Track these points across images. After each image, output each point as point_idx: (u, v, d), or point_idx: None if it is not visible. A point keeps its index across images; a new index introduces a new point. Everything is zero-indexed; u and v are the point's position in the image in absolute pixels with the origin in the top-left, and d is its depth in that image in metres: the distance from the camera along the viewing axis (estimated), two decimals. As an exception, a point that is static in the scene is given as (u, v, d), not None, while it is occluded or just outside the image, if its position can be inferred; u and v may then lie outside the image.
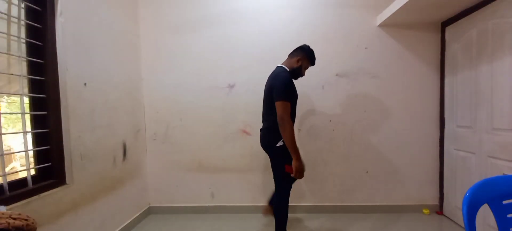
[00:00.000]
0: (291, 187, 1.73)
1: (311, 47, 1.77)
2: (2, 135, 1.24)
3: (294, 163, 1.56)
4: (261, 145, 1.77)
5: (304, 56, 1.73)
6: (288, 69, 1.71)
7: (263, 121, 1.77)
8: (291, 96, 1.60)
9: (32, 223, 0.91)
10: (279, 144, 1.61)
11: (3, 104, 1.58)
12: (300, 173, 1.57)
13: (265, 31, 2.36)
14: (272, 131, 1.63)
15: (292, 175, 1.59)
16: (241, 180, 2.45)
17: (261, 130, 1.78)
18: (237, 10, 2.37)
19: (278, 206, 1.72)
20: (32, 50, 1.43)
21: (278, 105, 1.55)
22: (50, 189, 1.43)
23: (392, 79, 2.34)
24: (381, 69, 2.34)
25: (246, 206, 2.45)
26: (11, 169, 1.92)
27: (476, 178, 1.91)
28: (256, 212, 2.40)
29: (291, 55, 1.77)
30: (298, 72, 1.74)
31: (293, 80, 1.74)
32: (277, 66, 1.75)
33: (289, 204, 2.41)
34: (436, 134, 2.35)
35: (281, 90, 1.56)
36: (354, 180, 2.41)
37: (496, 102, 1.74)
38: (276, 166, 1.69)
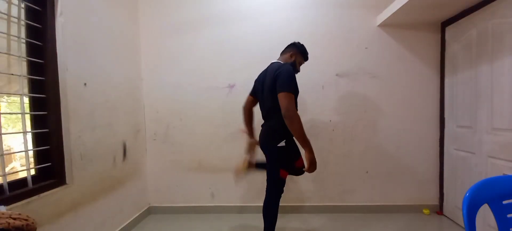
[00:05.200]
0: (282, 191, 1.67)
1: (306, 46, 1.77)
2: (2, 135, 1.24)
3: (307, 155, 1.46)
4: (260, 144, 1.72)
5: (297, 52, 1.72)
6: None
7: (266, 118, 1.70)
8: (295, 89, 1.51)
9: (32, 223, 0.91)
10: (281, 144, 1.53)
11: (3, 104, 1.58)
12: (313, 166, 1.48)
13: (265, 31, 2.36)
14: (275, 130, 1.55)
15: (304, 169, 1.53)
16: (241, 180, 2.44)
17: (262, 126, 1.72)
18: (237, 10, 2.37)
19: (269, 208, 1.64)
20: (32, 50, 1.43)
21: (283, 96, 1.43)
22: (50, 189, 1.43)
23: (392, 79, 2.34)
24: (381, 69, 2.34)
25: (246, 206, 2.45)
26: (11, 169, 1.92)
27: (476, 178, 1.91)
28: (256, 212, 2.40)
29: (284, 52, 1.75)
30: (293, 67, 1.67)
31: None
32: (273, 62, 1.67)
33: (290, 204, 2.41)
34: (436, 134, 2.35)
35: (286, 81, 1.45)
36: (354, 180, 2.41)
37: (496, 102, 1.74)
38: (272, 167, 1.61)
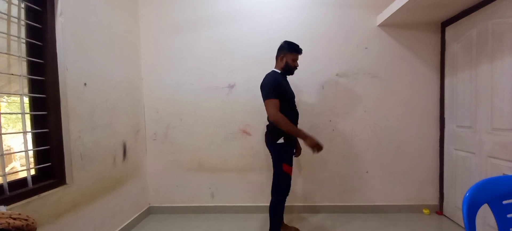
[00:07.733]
0: (289, 190, 1.75)
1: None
2: (2, 135, 1.24)
3: (306, 142, 1.65)
4: (265, 143, 1.86)
5: (285, 52, 1.79)
6: (279, 71, 1.80)
7: (268, 120, 1.84)
8: (278, 92, 1.65)
9: (32, 223, 0.91)
10: (280, 141, 1.69)
11: (3, 104, 1.59)
12: (316, 146, 1.66)
13: (265, 31, 2.36)
14: (271, 130, 1.75)
15: (313, 153, 1.70)
16: (241, 180, 2.45)
17: (266, 127, 1.87)
18: (237, 10, 2.37)
19: (274, 207, 1.74)
20: (32, 50, 1.43)
21: (267, 104, 1.64)
22: (50, 189, 1.43)
23: (392, 79, 2.34)
24: (381, 69, 2.34)
25: (246, 206, 2.44)
26: (11, 169, 1.93)
27: (476, 178, 1.91)
28: (256, 212, 2.40)
29: (276, 57, 1.85)
30: (288, 68, 1.80)
31: (289, 77, 1.86)
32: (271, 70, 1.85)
33: (290, 204, 2.41)
34: (436, 134, 2.35)
35: (266, 89, 1.65)
36: (354, 180, 2.41)
37: (496, 102, 1.74)
38: (276, 163, 1.74)
